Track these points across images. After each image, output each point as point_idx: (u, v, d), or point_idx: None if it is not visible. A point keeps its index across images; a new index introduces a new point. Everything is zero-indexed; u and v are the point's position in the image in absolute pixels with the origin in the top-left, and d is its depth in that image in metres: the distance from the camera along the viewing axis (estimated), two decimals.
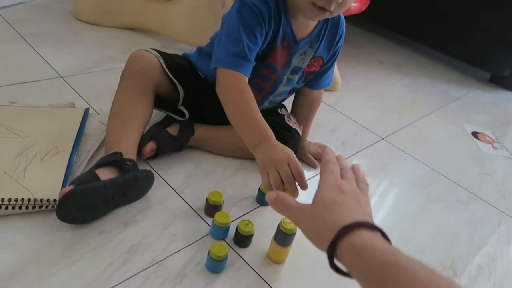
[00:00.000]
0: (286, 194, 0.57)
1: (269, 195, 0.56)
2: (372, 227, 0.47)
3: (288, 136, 0.97)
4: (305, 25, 0.89)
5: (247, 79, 0.82)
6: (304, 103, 1.07)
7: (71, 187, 0.68)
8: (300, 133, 1.02)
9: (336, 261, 0.47)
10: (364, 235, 0.45)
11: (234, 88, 0.80)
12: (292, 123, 1.01)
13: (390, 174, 1.15)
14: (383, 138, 1.32)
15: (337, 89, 1.55)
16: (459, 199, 1.11)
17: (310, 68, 0.97)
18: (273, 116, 1.00)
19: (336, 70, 1.51)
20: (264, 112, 1.01)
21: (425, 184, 1.13)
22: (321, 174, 0.57)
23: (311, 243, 0.52)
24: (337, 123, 1.33)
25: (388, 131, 1.37)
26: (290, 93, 1.04)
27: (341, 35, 0.96)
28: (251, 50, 0.82)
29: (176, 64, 0.94)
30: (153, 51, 0.93)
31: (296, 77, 0.97)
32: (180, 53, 1.03)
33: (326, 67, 1.01)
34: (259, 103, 0.98)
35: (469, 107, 1.77)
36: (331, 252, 0.46)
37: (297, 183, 0.70)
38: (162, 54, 0.94)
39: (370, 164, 1.17)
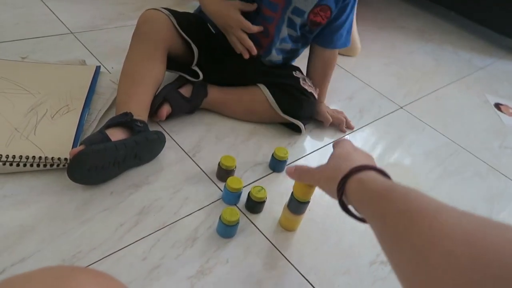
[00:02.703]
0: (304, 166, 0.64)
1: (289, 168, 0.65)
2: (381, 171, 0.50)
3: (303, 99, 0.94)
4: None
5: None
6: (317, 64, 1.02)
7: (82, 147, 0.67)
8: (316, 96, 0.99)
9: (344, 199, 0.51)
10: (371, 173, 0.49)
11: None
12: (307, 86, 0.97)
13: (408, 144, 1.11)
14: (401, 107, 1.27)
15: (356, 55, 1.49)
16: (477, 172, 1.08)
17: (315, 17, 0.90)
18: (288, 79, 0.97)
19: (355, 34, 1.45)
20: (279, 75, 0.98)
21: (443, 156, 1.10)
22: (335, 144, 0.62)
23: (325, 191, 0.57)
24: (354, 90, 1.28)
25: (407, 99, 1.32)
26: (295, 42, 0.96)
27: None
28: None
29: (188, 22, 0.90)
30: (163, 9, 0.89)
31: (299, 20, 0.90)
32: (194, 11, 0.98)
33: (337, 24, 0.94)
34: (267, 50, 0.95)
35: (493, 77, 1.70)
36: (341, 187, 0.50)
37: None
38: (173, 12, 0.90)
39: (387, 133, 1.13)
